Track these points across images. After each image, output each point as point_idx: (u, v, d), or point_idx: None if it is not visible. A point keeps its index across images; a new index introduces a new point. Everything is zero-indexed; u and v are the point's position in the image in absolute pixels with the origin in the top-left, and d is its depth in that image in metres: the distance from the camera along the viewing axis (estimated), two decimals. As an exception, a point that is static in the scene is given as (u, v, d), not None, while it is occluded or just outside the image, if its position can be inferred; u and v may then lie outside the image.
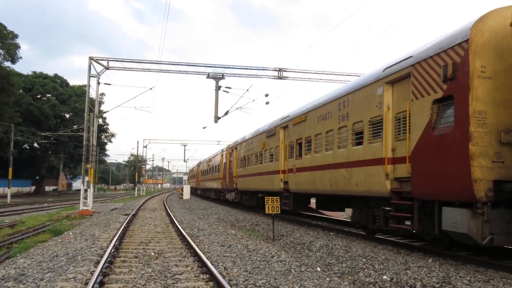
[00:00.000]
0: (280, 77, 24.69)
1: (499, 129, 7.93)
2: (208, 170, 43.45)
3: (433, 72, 9.01)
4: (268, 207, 13.31)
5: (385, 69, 10.90)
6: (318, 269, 8.51)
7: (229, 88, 24.89)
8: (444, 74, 8.62)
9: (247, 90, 25.16)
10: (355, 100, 12.24)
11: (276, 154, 19.34)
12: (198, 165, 55.45)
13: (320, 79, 25.11)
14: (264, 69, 24.67)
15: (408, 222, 9.98)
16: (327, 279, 7.53)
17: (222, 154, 34.20)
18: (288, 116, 18.07)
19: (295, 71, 24.91)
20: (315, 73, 25.01)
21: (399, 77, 10.29)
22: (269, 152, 20.75)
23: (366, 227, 12.50)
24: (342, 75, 25.00)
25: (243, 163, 26.23)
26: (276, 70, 24.65)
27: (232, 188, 29.40)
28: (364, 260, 9.10)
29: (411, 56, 9.93)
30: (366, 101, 11.60)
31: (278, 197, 13.49)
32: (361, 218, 12.58)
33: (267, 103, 26.13)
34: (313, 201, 18.98)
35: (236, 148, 28.40)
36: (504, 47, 8.01)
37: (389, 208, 10.67)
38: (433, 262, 8.63)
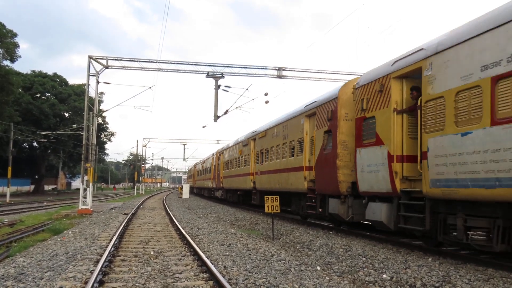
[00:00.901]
0: (279, 76, 24.65)
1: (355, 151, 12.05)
2: (202, 171, 48.98)
3: (324, 114, 13.96)
4: (268, 206, 13.30)
5: (305, 106, 16.02)
6: (318, 268, 8.50)
7: (229, 87, 24.88)
8: (328, 116, 13.59)
9: (247, 89, 25.24)
10: (290, 125, 17.41)
11: (248, 160, 24.38)
12: (195, 166, 61.95)
13: (320, 78, 25.09)
14: (263, 68, 24.63)
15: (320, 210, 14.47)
16: (327, 278, 7.53)
17: (213, 158, 39.28)
18: (256, 131, 23.37)
19: (294, 70, 24.86)
20: (314, 72, 24.99)
21: (311, 113, 15.31)
22: (244, 158, 25.84)
23: (299, 214, 17.32)
24: (342, 74, 24.98)
25: (227, 166, 31.38)
26: (275, 69, 24.62)
27: (219, 187, 34.72)
28: (364, 259, 9.10)
29: (315, 101, 15.02)
30: (296, 126, 16.75)
31: (278, 197, 13.52)
32: (296, 208, 17.48)
33: (266, 102, 26.18)
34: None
35: (223, 153, 33.64)
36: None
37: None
38: (433, 261, 8.63)
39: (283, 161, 17.99)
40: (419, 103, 9.48)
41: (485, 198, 7.68)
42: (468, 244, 8.34)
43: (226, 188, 31.90)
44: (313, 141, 14.78)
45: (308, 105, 15.71)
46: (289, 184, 17.07)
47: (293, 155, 16.86)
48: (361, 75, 13.17)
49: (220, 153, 35.14)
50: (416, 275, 7.51)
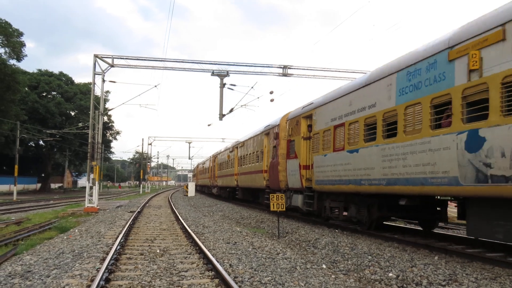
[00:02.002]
0: (285, 74, 24.62)
1: (286, 161, 17.62)
2: (203, 171, 56.82)
3: (273, 134, 19.76)
4: (273, 204, 13.29)
5: (264, 127, 22.08)
6: (324, 266, 8.49)
7: (234, 85, 24.84)
8: (274, 136, 19.34)
9: (252, 87, 25.14)
10: (257, 139, 23.76)
11: (233, 163, 30.49)
12: (197, 166, 70.41)
13: (325, 76, 25.02)
14: (269, 66, 24.61)
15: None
16: (333, 276, 7.52)
17: (210, 160, 46.96)
18: (238, 141, 29.73)
19: (300, 68, 24.80)
20: (320, 70, 24.94)
21: (267, 132, 21.39)
22: (230, 162, 32.22)
23: (262, 204, 23.01)
24: (347, 72, 24.94)
25: (219, 167, 38.30)
26: (281, 67, 24.58)
27: (215, 185, 41.64)
28: (369, 257, 9.07)
29: (269, 125, 21.02)
30: (260, 141, 22.89)
31: (284, 195, 13.55)
32: (262, 200, 23.06)
33: (272, 100, 26.05)
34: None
35: (217, 156, 40.65)
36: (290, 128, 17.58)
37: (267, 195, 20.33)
38: (439, 260, 8.60)
39: (253, 165, 24.32)
40: (311, 135, 15.41)
41: (334, 190, 13.64)
42: (333, 218, 14.67)
43: (219, 185, 38.47)
44: (268, 152, 21.00)
45: (266, 126, 21.96)
46: (256, 182, 23.33)
47: (258, 161, 23.13)
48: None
49: (215, 156, 42.18)
50: (422, 274, 7.48)
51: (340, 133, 12.85)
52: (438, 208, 11.62)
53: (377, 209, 12.04)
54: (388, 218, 13.23)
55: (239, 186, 28.58)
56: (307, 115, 15.74)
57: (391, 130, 10.39)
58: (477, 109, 7.89)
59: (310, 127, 15.58)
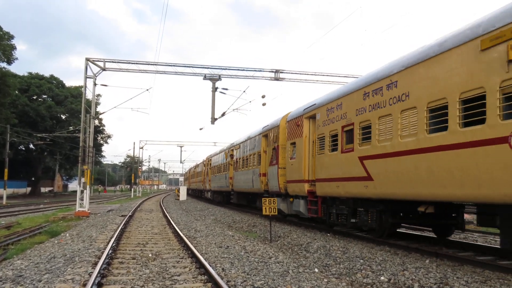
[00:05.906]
0: (276, 79, 24.67)
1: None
2: (187, 178, 75.42)
3: (203, 164, 46.10)
4: (266, 208, 13.29)
5: (202, 160, 48.17)
6: (316, 270, 8.52)
7: (226, 89, 24.83)
8: (204, 165, 44.10)
9: (244, 91, 25.17)
10: (201, 165, 49.18)
11: (194, 175, 51.04)
12: (185, 174, 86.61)
13: (317, 81, 25.12)
14: (261, 70, 24.64)
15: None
16: (325, 280, 7.55)
17: (190, 170, 66.61)
18: (197, 163, 54.27)
19: (291, 72, 24.87)
20: (311, 74, 25.02)
21: (203, 163, 45.82)
22: (195, 173, 51.46)
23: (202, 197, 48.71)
24: (339, 76, 25.04)
25: (191, 177, 59.62)
26: (272, 72, 24.63)
27: (190, 188, 61.33)
28: (361, 261, 9.12)
29: (204, 159, 45.80)
30: (201, 166, 48.15)
31: (276, 199, 13.54)
32: (203, 195, 47.80)
33: (263, 104, 26.05)
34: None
35: (190, 170, 61.52)
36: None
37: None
38: (431, 263, 8.67)
39: (200, 178, 42.73)
40: (210, 167, 38.97)
41: (217, 190, 35.71)
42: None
43: (192, 188, 59.00)
44: (205, 172, 40.40)
45: (203, 159, 41.74)
46: (203, 186, 42.42)
47: (202, 176, 42.39)
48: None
49: (190, 168, 64.95)
50: (414, 277, 7.54)
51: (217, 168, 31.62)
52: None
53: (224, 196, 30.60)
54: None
55: (198, 189, 49.67)
56: (210, 159, 36.42)
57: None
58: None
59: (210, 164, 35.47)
